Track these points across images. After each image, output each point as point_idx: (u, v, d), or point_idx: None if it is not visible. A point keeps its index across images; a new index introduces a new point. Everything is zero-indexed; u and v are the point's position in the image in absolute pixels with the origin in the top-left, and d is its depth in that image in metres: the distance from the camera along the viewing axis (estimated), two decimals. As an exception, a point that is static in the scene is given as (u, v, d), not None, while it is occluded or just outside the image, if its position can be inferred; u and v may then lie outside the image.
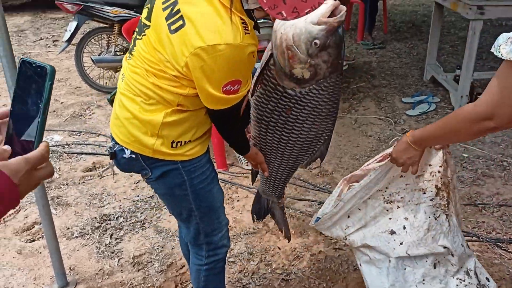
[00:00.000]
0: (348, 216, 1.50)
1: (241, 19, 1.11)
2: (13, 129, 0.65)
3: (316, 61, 1.16)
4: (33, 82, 0.64)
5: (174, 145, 1.27)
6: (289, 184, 2.09)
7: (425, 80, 3.99)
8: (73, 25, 3.63)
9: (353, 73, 4.22)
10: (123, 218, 2.36)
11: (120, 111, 1.29)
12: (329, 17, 1.11)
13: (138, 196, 2.54)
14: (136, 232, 2.26)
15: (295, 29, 1.13)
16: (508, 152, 2.81)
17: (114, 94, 1.41)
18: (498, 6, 3.00)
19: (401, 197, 1.43)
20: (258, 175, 1.63)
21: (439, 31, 3.89)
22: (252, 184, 1.78)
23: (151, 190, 2.00)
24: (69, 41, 3.65)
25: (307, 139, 1.37)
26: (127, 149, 1.28)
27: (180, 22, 1.10)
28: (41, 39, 5.69)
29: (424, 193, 1.41)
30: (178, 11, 1.11)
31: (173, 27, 1.11)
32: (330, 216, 1.51)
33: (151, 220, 2.34)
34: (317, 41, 1.12)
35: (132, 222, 2.33)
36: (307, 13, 1.04)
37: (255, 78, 1.29)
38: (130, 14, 3.66)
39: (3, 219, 2.33)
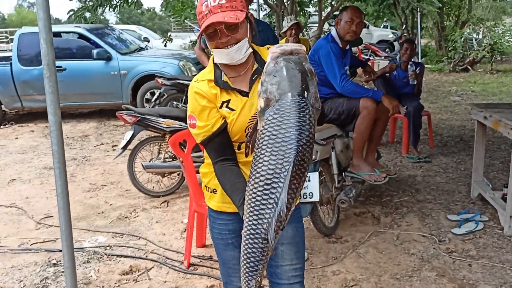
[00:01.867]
0: None
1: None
2: None
3: (265, 86, 1.27)
4: None
5: (206, 189, 1.67)
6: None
7: (472, 197, 3.86)
8: (129, 134, 3.97)
9: (397, 186, 4.18)
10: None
11: None
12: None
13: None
14: None
15: None
16: None
17: None
18: (541, 127, 2.97)
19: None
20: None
21: (484, 148, 3.85)
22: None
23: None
24: (124, 148, 3.96)
25: (267, 176, 1.25)
26: None
27: None
28: (101, 144, 6.17)
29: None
30: None
31: None
32: None
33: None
34: (265, 69, 1.30)
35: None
36: None
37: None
38: (181, 125, 3.96)
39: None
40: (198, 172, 3.73)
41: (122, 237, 3.39)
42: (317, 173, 2.86)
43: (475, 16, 15.08)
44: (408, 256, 2.98)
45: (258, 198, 1.27)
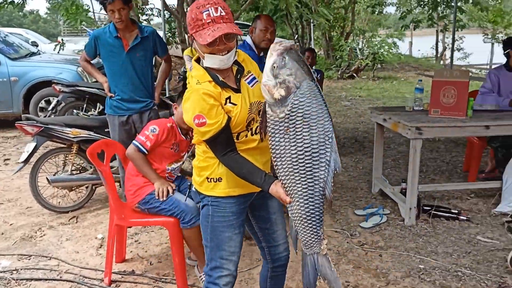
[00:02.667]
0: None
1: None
2: None
3: (282, 78, 1.51)
4: None
5: (208, 180, 1.83)
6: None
7: (373, 192, 4.24)
8: (31, 146, 3.64)
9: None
10: None
11: None
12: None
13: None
14: None
15: (264, 71, 1.55)
16: (460, 262, 2.95)
17: None
18: (434, 127, 3.37)
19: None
20: (298, 236, 1.71)
21: (382, 147, 4.24)
22: (296, 251, 1.83)
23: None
24: (26, 161, 3.63)
25: (313, 146, 1.55)
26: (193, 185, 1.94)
27: None
28: (-10, 158, 5.56)
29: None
30: None
31: None
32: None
33: None
34: (274, 64, 1.51)
35: None
36: None
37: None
38: (89, 134, 3.74)
39: None
40: (117, 181, 3.58)
41: (29, 259, 3.10)
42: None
43: (358, 27, 16.48)
44: (325, 252, 3.17)
45: (309, 164, 1.55)
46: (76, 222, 3.70)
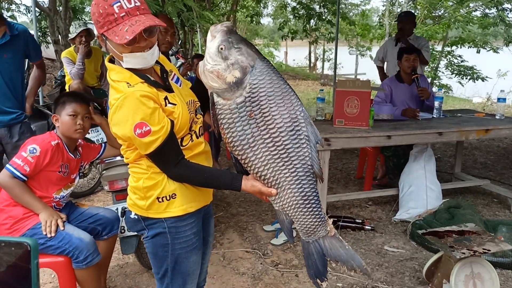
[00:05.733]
0: None
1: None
2: None
3: (233, 59, 1.34)
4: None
5: (158, 200, 1.52)
6: None
7: (279, 205, 4.10)
8: None
9: (209, 203, 4.10)
10: None
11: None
12: None
13: None
14: None
15: (204, 59, 1.37)
16: (375, 276, 2.91)
17: None
18: (341, 138, 3.33)
19: None
20: (293, 227, 1.52)
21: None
22: (292, 242, 1.59)
23: None
24: None
25: (286, 124, 1.38)
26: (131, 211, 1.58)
27: None
28: None
29: None
30: None
31: None
32: None
33: None
34: (221, 46, 1.34)
35: None
36: None
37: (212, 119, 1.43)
38: None
39: None
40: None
41: None
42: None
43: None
44: (240, 277, 2.91)
45: (288, 145, 1.38)
46: None
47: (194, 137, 1.56)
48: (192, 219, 1.59)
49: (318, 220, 1.49)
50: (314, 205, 1.47)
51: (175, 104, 1.48)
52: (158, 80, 1.53)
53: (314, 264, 1.56)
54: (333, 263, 1.57)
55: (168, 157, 1.46)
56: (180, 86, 1.61)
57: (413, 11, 12.51)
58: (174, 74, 1.62)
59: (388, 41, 5.59)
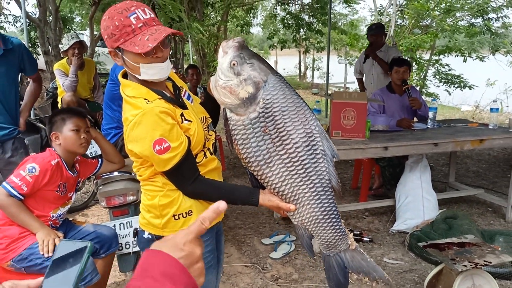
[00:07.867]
0: None
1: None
2: None
3: (246, 74, 1.32)
4: (70, 257, 0.74)
5: (175, 218, 1.49)
6: None
7: (275, 218, 4.07)
8: None
9: (205, 216, 4.05)
10: None
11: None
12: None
13: None
14: None
15: (216, 74, 1.35)
16: (377, 288, 2.90)
17: None
18: (338, 150, 3.32)
19: None
20: (312, 241, 1.51)
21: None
22: (313, 256, 1.63)
23: None
24: None
25: (302, 140, 1.36)
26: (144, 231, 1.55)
27: None
28: None
29: None
30: None
31: None
32: None
33: None
34: (233, 61, 1.32)
35: None
36: None
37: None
38: None
39: None
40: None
41: None
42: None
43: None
44: (240, 292, 2.87)
45: (305, 161, 1.36)
46: None
47: (208, 153, 1.54)
48: (207, 237, 1.54)
49: (339, 234, 1.48)
50: (334, 220, 1.45)
51: (191, 121, 1.47)
52: (172, 96, 1.52)
53: (335, 277, 1.54)
54: (355, 275, 1.56)
55: (185, 174, 1.44)
56: (191, 102, 1.59)
57: (401, 21, 12.70)
58: (185, 91, 1.61)
59: (362, 54, 5.64)
